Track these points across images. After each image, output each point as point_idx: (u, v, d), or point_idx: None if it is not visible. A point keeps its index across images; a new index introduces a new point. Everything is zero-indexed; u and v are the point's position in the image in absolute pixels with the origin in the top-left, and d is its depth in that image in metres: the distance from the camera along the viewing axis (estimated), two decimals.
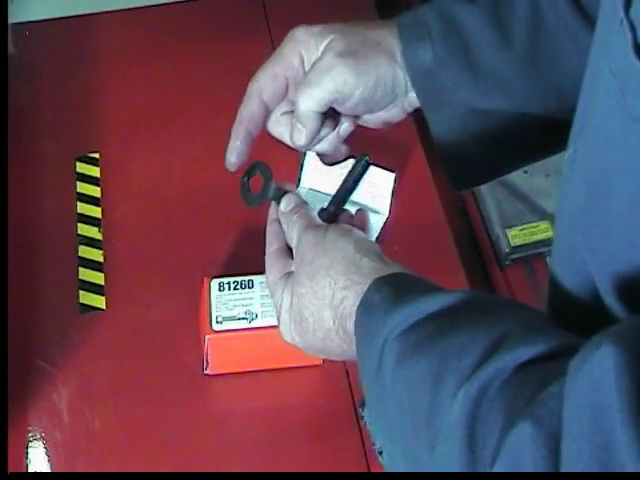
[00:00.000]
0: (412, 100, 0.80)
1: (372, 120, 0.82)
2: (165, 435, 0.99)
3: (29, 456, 0.98)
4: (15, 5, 1.30)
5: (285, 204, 0.78)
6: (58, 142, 1.21)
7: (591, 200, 0.59)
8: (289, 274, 0.75)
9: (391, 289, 0.66)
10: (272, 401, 1.02)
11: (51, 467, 0.98)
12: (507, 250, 1.23)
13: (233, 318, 0.98)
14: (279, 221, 0.78)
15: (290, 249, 0.77)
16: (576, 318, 0.63)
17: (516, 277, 1.25)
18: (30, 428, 1.00)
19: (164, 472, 0.96)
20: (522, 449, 0.50)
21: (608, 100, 0.55)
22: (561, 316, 0.67)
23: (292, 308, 0.73)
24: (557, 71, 0.78)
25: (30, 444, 0.99)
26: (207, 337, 0.98)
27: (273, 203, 0.80)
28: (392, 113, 0.81)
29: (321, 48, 0.78)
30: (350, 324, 0.68)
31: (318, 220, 0.77)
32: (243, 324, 0.98)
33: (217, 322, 0.98)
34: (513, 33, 0.78)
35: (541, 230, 1.26)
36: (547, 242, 1.25)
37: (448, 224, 1.17)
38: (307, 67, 0.79)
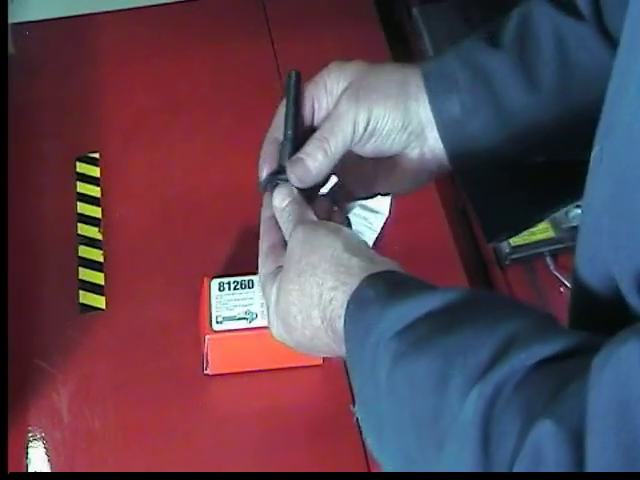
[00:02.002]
0: (432, 145, 0.78)
1: (389, 168, 0.80)
2: (165, 435, 0.99)
3: (29, 456, 0.98)
4: (15, 5, 1.30)
5: (279, 200, 0.76)
6: (58, 142, 1.22)
7: (617, 198, 0.59)
8: (280, 268, 0.73)
9: (386, 284, 0.65)
10: (272, 401, 1.02)
11: (51, 467, 0.98)
12: (507, 250, 1.23)
13: (233, 318, 0.98)
14: (274, 217, 0.77)
15: (285, 244, 0.75)
16: (599, 317, 0.63)
17: (516, 277, 1.25)
18: (30, 428, 1.00)
19: (164, 472, 0.96)
20: (543, 448, 0.49)
21: (638, 99, 0.55)
22: (584, 315, 0.67)
23: (279, 305, 0.72)
24: (590, 109, 0.77)
25: (30, 444, 0.99)
26: (207, 337, 0.98)
27: (265, 198, 0.78)
28: (409, 158, 0.79)
29: (343, 84, 0.77)
30: (339, 325, 0.67)
31: (310, 215, 0.75)
32: (243, 324, 0.98)
33: (217, 322, 0.98)
34: (540, 76, 0.77)
35: (541, 230, 1.25)
36: (547, 242, 1.24)
37: (448, 224, 1.17)
38: (329, 97, 0.78)
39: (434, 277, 0.68)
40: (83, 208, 1.15)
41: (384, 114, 0.76)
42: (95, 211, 1.15)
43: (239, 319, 0.98)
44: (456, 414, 0.54)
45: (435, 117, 0.78)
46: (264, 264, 0.75)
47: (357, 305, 0.66)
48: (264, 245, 0.76)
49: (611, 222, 0.60)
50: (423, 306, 0.62)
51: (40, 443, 0.99)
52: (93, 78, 1.28)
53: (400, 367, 0.60)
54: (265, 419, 1.01)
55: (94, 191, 1.16)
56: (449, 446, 0.55)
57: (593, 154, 0.65)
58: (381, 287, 0.65)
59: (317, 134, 0.76)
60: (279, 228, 0.76)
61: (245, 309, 0.98)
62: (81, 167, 1.18)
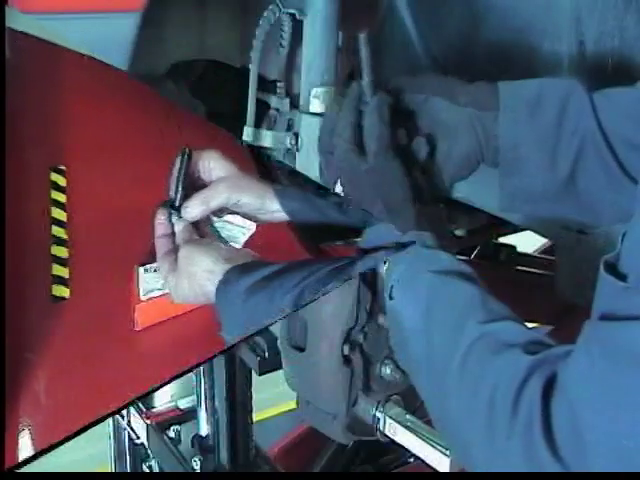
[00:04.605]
0: (274, 214, 1.18)
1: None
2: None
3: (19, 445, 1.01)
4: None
5: (177, 230, 1.14)
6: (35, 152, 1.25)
7: None
8: (173, 266, 1.12)
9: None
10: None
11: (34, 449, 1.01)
12: None
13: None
14: (164, 236, 1.13)
15: (174, 251, 1.13)
16: None
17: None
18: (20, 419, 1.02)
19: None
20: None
21: None
22: None
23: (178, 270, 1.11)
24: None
25: (20, 434, 1.02)
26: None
27: (157, 224, 1.14)
28: (263, 219, 1.19)
29: (218, 172, 1.17)
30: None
31: (194, 236, 1.14)
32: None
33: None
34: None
35: None
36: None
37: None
38: (208, 172, 1.18)
39: None
40: (56, 213, 1.22)
41: (247, 202, 1.17)
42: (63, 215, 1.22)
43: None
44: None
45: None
46: (163, 264, 1.13)
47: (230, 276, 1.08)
48: (161, 252, 1.13)
49: None
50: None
51: (27, 432, 1.02)
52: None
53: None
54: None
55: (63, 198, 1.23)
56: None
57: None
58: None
59: (204, 193, 1.15)
60: (168, 242, 1.13)
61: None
62: (54, 177, 1.24)
